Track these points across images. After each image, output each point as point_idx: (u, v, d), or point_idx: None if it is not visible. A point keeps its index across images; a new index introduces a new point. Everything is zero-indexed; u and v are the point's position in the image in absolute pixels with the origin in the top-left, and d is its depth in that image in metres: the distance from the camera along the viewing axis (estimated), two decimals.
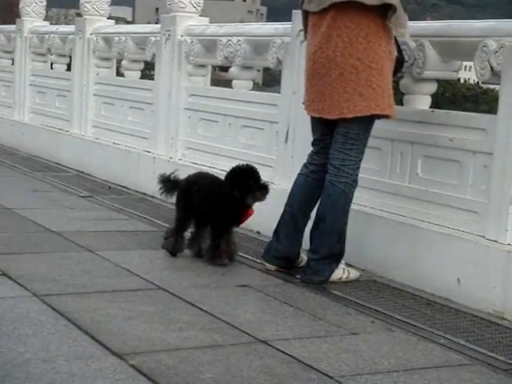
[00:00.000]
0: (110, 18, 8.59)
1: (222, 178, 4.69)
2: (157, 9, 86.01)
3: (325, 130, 4.43)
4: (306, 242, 4.53)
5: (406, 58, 4.59)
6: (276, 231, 4.58)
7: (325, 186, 4.37)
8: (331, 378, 2.99)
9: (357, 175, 4.36)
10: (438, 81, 4.89)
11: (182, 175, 6.41)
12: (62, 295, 3.79)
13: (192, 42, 6.69)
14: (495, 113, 4.20)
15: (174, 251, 4.71)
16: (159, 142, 6.96)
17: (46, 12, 10.10)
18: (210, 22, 7.01)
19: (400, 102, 4.75)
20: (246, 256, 4.86)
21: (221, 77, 12.33)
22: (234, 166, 4.63)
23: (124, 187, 7.14)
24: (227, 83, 6.90)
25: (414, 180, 4.65)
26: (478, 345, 3.52)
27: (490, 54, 4.17)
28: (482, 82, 4.90)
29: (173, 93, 6.82)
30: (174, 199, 4.83)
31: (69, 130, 8.50)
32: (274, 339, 3.37)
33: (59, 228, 5.25)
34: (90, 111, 8.20)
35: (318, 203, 4.44)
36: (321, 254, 4.36)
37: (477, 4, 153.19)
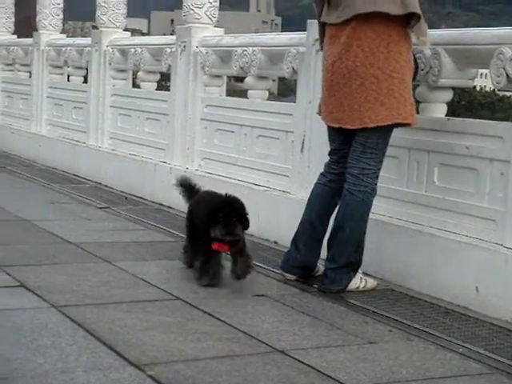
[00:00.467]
0: (125, 29, 8.64)
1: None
2: (172, 20, 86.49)
3: (342, 139, 4.43)
4: (323, 251, 4.52)
5: (422, 65, 4.59)
6: (294, 241, 4.58)
7: (343, 195, 4.37)
8: None
9: (376, 184, 4.36)
10: (453, 88, 4.88)
11: (199, 185, 6.45)
12: (80, 306, 3.81)
13: (207, 52, 6.72)
14: None
15: (190, 264, 4.65)
16: (175, 153, 6.98)
17: (63, 25, 10.16)
18: (225, 33, 7.04)
19: (416, 111, 4.74)
20: (262, 266, 4.86)
21: (236, 87, 12.36)
22: (224, 194, 4.38)
23: (141, 198, 7.17)
24: (243, 93, 6.92)
25: (430, 188, 4.64)
26: (498, 353, 3.50)
27: (506, 62, 4.16)
28: (498, 90, 4.88)
29: (189, 103, 6.84)
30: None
31: (85, 141, 8.55)
32: (291, 349, 3.37)
33: (77, 239, 5.27)
34: (107, 123, 8.24)
35: (336, 212, 4.43)
36: (338, 263, 4.35)
37: (492, 12, 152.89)
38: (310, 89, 5.40)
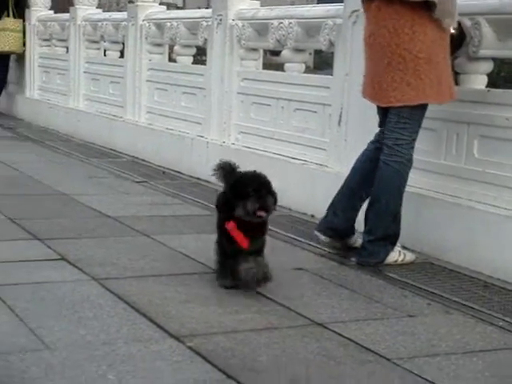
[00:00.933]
0: (161, 3, 8.63)
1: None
2: None
3: (383, 111, 4.43)
4: (361, 224, 4.51)
5: (471, 34, 4.52)
6: (332, 205, 4.58)
7: (379, 167, 4.35)
8: (389, 360, 2.98)
9: (411, 155, 4.33)
10: (493, 60, 4.81)
11: (236, 160, 6.44)
12: (120, 279, 3.85)
13: (243, 25, 6.69)
14: None
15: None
16: (212, 127, 6.98)
17: (99, 0, 10.18)
18: (261, 6, 6.99)
19: (455, 82, 4.68)
20: (300, 239, 4.86)
21: (272, 61, 12.28)
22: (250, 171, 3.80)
23: (178, 172, 7.19)
24: (279, 67, 6.88)
25: (470, 161, 4.58)
26: None
27: None
28: None
29: (225, 77, 6.83)
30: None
31: (122, 116, 8.58)
32: (330, 322, 3.37)
33: (115, 213, 5.31)
34: (143, 97, 8.26)
35: (374, 184, 4.42)
36: (376, 235, 4.34)
37: None
38: (347, 61, 5.36)
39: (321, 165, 5.68)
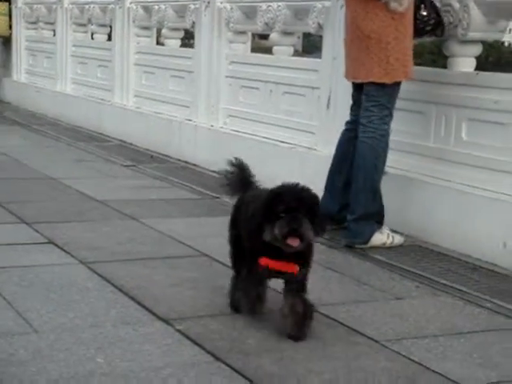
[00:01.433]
0: None
1: None
2: None
3: (355, 88, 4.60)
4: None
5: (451, 19, 4.51)
6: (324, 188, 4.64)
7: (356, 147, 4.43)
8: (377, 341, 2.99)
9: (384, 130, 4.38)
10: (481, 43, 4.80)
11: (224, 143, 6.44)
12: (107, 262, 3.84)
13: (232, 8, 6.65)
14: None
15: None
16: (200, 111, 6.95)
17: None
18: None
19: (444, 65, 4.68)
20: None
21: (260, 44, 12.26)
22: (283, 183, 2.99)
23: (166, 156, 7.17)
24: (267, 51, 6.86)
25: (458, 144, 4.59)
26: None
27: None
28: None
29: (213, 60, 6.80)
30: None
31: (110, 99, 8.54)
32: (319, 304, 3.35)
33: (103, 197, 5.30)
34: (131, 81, 8.22)
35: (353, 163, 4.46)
36: (358, 214, 4.39)
37: None
38: (336, 44, 5.33)
39: (309, 148, 5.68)
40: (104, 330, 2.93)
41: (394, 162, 4.81)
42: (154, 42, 8.37)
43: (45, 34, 10.41)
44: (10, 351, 2.69)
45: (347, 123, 4.63)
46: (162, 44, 8.15)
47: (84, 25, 9.42)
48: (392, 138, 4.75)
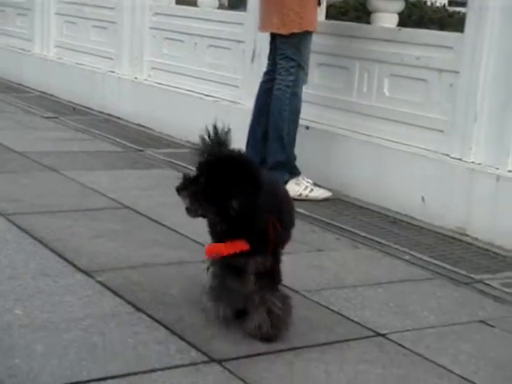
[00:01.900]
0: None
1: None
2: None
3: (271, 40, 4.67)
4: None
5: None
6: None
7: None
8: (297, 292, 3.03)
9: (290, 81, 4.45)
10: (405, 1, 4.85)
11: (148, 96, 6.37)
12: (27, 214, 3.77)
13: None
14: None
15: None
16: (124, 62, 6.84)
17: None
18: None
19: (368, 23, 4.71)
20: None
21: None
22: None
23: (89, 108, 7.04)
24: (192, 4, 6.76)
25: (380, 99, 4.64)
26: (441, 260, 3.59)
27: None
28: (449, 4, 4.88)
29: (137, 11, 6.67)
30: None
31: (31, 49, 8.31)
32: None
33: (23, 148, 5.18)
34: (52, 31, 8.00)
35: None
36: (268, 163, 4.48)
37: None
38: None
39: (233, 102, 5.66)
40: (23, 282, 2.89)
41: (316, 116, 4.86)
42: None
43: None
44: None
45: (264, 74, 4.69)
46: None
47: None
48: (314, 92, 4.79)
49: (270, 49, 4.63)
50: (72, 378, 2.22)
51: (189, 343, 2.50)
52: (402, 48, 4.49)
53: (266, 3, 4.49)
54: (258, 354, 2.47)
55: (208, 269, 2.67)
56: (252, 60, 5.47)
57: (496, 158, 3.98)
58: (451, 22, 7.97)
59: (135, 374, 2.27)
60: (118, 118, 6.61)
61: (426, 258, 3.61)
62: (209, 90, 5.94)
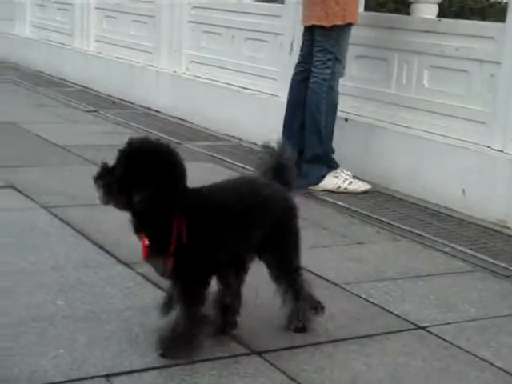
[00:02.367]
0: None
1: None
2: None
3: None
4: None
5: None
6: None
7: None
8: (336, 285, 3.03)
9: (327, 74, 4.43)
10: None
11: (186, 89, 6.40)
12: (69, 207, 3.82)
13: None
14: None
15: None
16: (162, 56, 6.87)
17: None
18: None
19: (407, 14, 4.68)
20: (251, 168, 4.86)
21: None
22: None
23: (128, 102, 7.10)
24: None
25: (420, 91, 4.61)
26: (482, 252, 3.56)
27: None
28: None
29: (175, 5, 6.70)
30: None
31: (71, 44, 8.40)
32: None
33: (65, 142, 5.24)
34: (92, 25, 8.08)
35: None
36: (306, 156, 4.47)
37: None
38: None
39: (271, 94, 5.66)
40: (65, 274, 2.93)
41: (355, 108, 4.84)
42: None
43: None
44: None
45: (296, 66, 4.69)
46: None
47: None
48: (353, 84, 4.78)
49: (303, 40, 4.63)
50: (114, 368, 2.25)
51: (229, 336, 2.51)
52: (441, 39, 4.45)
53: None
54: (298, 347, 2.48)
55: None
56: (290, 52, 5.46)
57: None
58: (492, 11, 7.87)
59: (176, 365, 2.29)
60: (157, 111, 6.65)
61: (466, 250, 3.58)
62: (247, 83, 5.95)
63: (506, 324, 2.80)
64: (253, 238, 2.42)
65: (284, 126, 4.71)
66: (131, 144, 2.31)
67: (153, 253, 2.31)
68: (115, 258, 3.15)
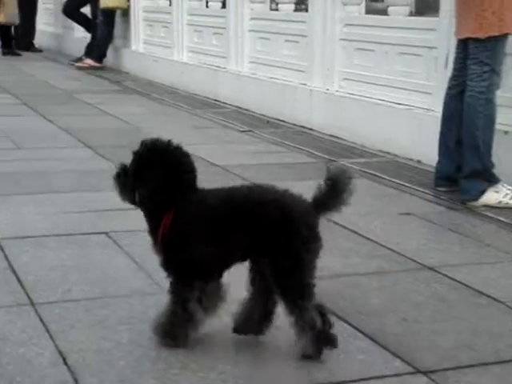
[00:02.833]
0: None
1: None
2: None
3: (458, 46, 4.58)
4: None
5: None
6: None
7: None
8: (502, 302, 2.95)
9: (484, 87, 4.31)
10: None
11: (339, 107, 6.42)
12: None
13: None
14: None
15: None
16: (315, 74, 6.94)
17: None
18: None
19: None
20: (406, 184, 4.82)
21: (371, 7, 12.06)
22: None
23: (282, 121, 7.20)
24: (380, 13, 6.76)
25: None
26: None
27: None
28: None
29: (327, 24, 6.75)
30: None
31: (226, 66, 8.63)
32: (440, 265, 3.35)
33: (224, 162, 5.38)
34: (246, 47, 8.27)
35: None
36: (464, 172, 4.40)
37: None
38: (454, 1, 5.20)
39: (426, 109, 5.58)
40: None
41: None
42: (268, 7, 8.37)
43: (161, 4, 10.58)
44: (142, 309, 2.82)
45: (449, 80, 4.61)
46: (276, 9, 8.15)
47: None
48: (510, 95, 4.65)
49: (457, 53, 4.54)
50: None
51: (393, 353, 2.50)
52: None
53: (464, 4, 4.36)
54: (465, 366, 2.43)
55: None
56: (445, 66, 5.37)
57: None
58: None
59: (342, 382, 2.30)
60: (311, 129, 6.71)
61: None
62: (400, 99, 5.90)
63: None
64: (235, 243, 2.41)
65: (440, 141, 4.65)
66: (142, 145, 2.49)
67: (152, 245, 2.50)
68: None
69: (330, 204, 2.46)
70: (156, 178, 2.41)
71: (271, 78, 7.68)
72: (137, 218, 2.61)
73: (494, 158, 4.42)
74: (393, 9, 6.24)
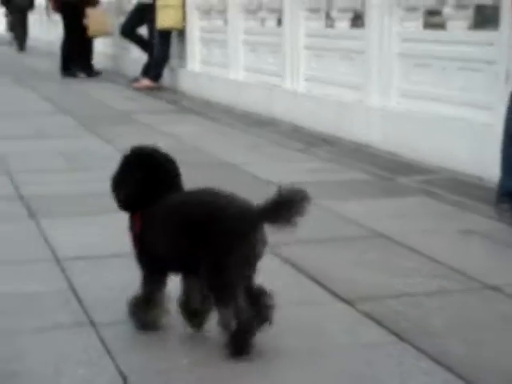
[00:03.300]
0: None
1: None
2: None
3: None
4: None
5: None
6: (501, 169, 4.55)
7: None
8: None
9: None
10: None
11: (397, 123, 6.36)
12: (287, 244, 3.88)
13: None
14: None
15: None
16: (372, 91, 6.88)
17: None
18: None
19: None
20: (468, 202, 4.73)
21: (429, 22, 11.94)
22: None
23: (338, 138, 7.16)
24: (437, 28, 6.68)
25: None
26: None
27: None
28: None
29: (384, 39, 6.70)
30: None
31: (281, 85, 8.63)
32: (504, 285, 3.26)
33: (281, 180, 5.33)
34: (302, 64, 8.26)
35: None
36: None
37: None
38: None
39: (487, 125, 5.49)
40: (286, 312, 2.96)
41: None
42: (323, 24, 8.35)
43: (217, 24, 10.65)
44: None
45: (510, 95, 4.53)
46: (331, 26, 8.13)
47: (254, 11, 9.55)
48: None
49: None
50: None
51: (456, 374, 2.44)
52: None
53: None
54: None
55: None
56: (506, 81, 5.27)
57: None
58: None
59: None
60: (367, 146, 6.66)
61: None
62: (460, 114, 5.81)
63: None
64: (178, 243, 2.58)
65: (502, 157, 4.55)
66: (130, 150, 2.83)
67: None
68: (334, 294, 3.16)
69: (275, 215, 2.58)
70: (134, 179, 2.68)
71: (327, 95, 7.65)
72: None
73: None
74: (451, 23, 6.16)
